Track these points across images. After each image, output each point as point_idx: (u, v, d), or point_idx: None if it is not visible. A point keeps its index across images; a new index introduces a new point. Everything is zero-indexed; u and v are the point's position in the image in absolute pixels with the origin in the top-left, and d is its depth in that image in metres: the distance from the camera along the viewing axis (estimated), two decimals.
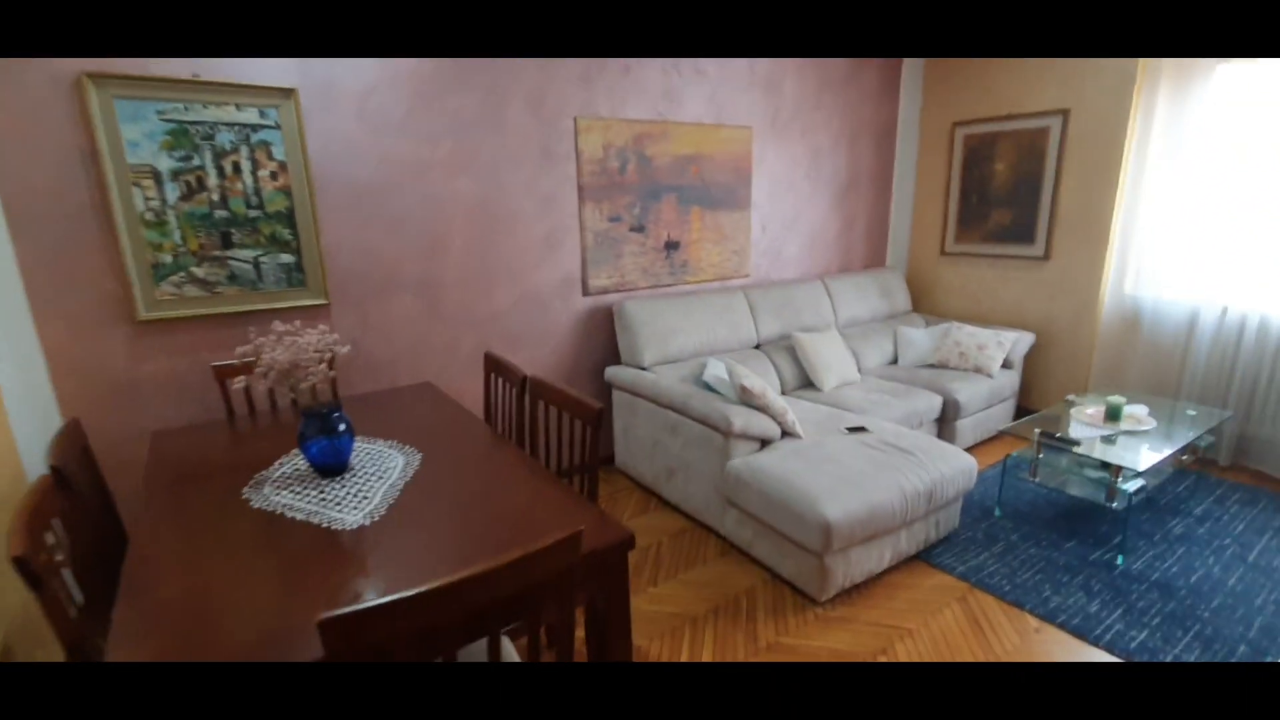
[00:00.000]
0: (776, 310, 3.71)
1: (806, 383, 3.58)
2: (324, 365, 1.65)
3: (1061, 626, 2.12)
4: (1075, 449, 2.61)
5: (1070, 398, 3.52)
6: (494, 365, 2.37)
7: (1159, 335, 3.47)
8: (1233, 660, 1.95)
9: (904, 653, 2.05)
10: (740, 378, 2.69)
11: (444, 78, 2.66)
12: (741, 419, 2.56)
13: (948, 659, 2.01)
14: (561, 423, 2.02)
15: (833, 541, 2.14)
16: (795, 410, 3.05)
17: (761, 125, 3.73)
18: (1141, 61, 3.32)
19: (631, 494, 3.20)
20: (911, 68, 4.33)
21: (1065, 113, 3.67)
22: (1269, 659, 1.94)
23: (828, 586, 2.24)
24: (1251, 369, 3.16)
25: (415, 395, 2.43)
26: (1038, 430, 2.75)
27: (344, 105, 2.47)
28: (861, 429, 2.78)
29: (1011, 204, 4.00)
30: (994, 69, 3.95)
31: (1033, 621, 2.16)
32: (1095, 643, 2.04)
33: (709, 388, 2.95)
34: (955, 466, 2.50)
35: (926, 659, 2.02)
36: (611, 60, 3.09)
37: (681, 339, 3.29)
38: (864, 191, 4.37)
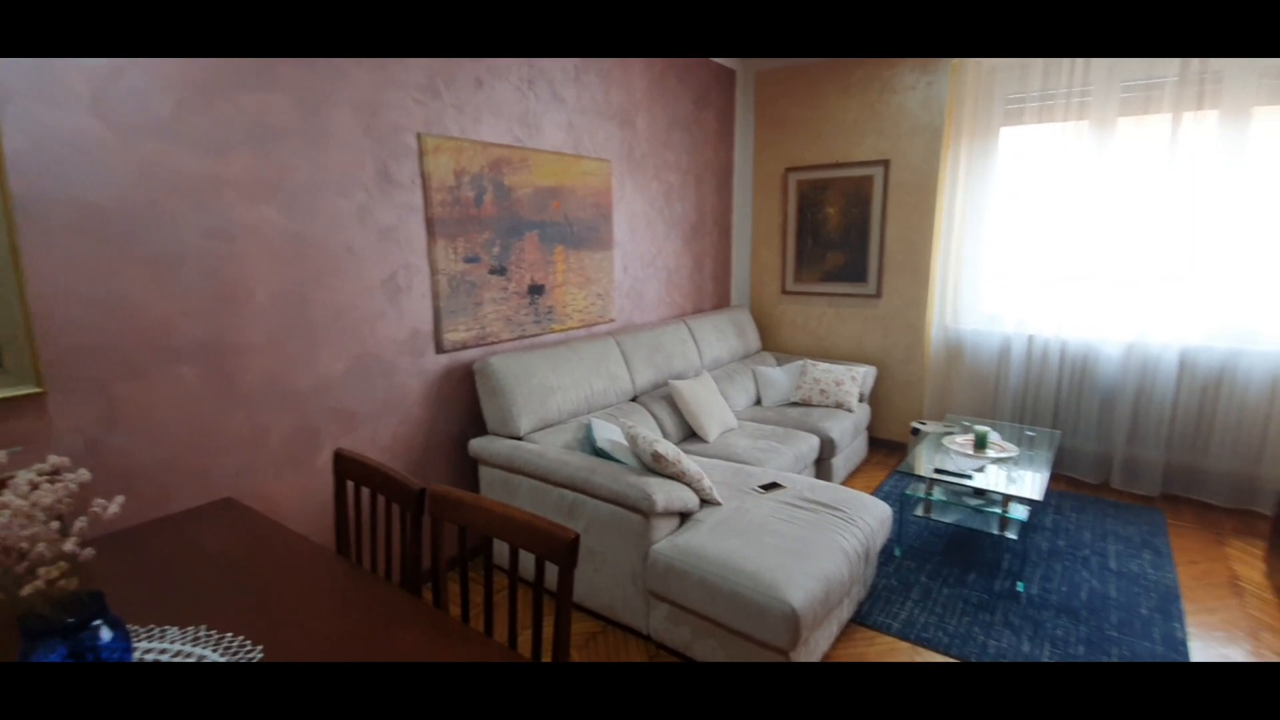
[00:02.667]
0: (649, 357, 3.41)
1: (689, 433, 3.32)
2: (69, 545, 0.89)
3: None
4: (968, 482, 2.68)
5: (915, 425, 3.75)
6: (357, 472, 1.66)
7: (979, 362, 3.88)
8: (1137, 659, 2.04)
9: None
10: (651, 443, 2.30)
11: (234, 64, 1.92)
12: (663, 494, 2.16)
13: None
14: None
15: (801, 633, 1.84)
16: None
17: (619, 159, 3.45)
18: (947, 119, 3.72)
19: (520, 594, 2.58)
20: (743, 113, 4.44)
21: (886, 163, 4.00)
22: (1186, 659, 2.07)
23: None
24: (1052, 387, 3.64)
25: (209, 522, 1.61)
26: (933, 468, 2.79)
27: (70, 88, 1.61)
28: (775, 485, 2.56)
29: (844, 246, 4.25)
30: (820, 119, 4.19)
31: None
32: None
33: (603, 454, 2.51)
34: (877, 516, 2.39)
35: None
36: (461, 70, 2.57)
37: (559, 398, 2.81)
38: (709, 231, 4.34)
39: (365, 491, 2.29)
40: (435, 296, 2.58)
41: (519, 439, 2.65)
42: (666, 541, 2.16)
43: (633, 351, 3.33)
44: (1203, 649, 2.19)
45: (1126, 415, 3.45)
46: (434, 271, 2.56)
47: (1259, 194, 3.03)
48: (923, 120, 3.83)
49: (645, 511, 2.14)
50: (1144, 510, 3.26)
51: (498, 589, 2.64)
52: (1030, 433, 3.27)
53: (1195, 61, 3.03)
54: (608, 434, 2.64)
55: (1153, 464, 3.41)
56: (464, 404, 2.78)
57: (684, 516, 2.31)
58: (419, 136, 2.44)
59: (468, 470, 2.82)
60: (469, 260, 2.69)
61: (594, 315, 3.40)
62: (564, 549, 1.14)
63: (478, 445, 2.64)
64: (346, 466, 1.62)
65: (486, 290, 2.78)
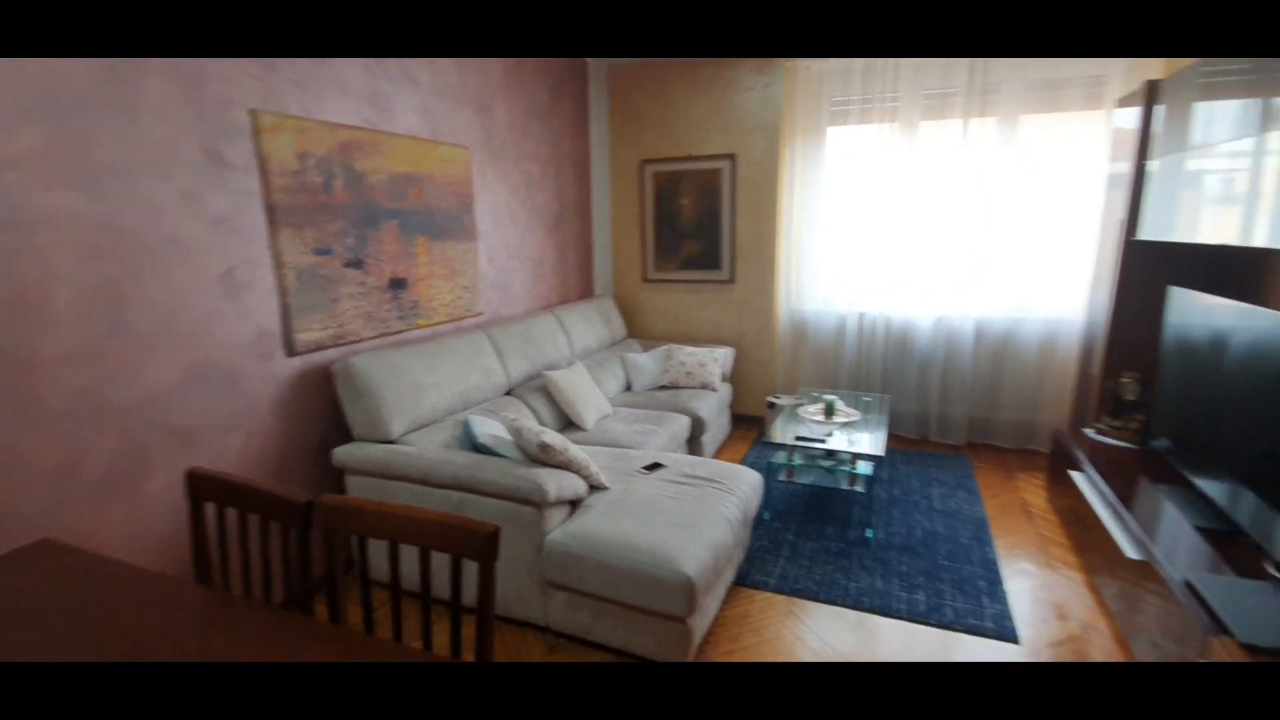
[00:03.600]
0: (521, 349, 3.36)
1: (567, 422, 3.33)
2: None
3: (871, 610, 2.36)
4: (822, 446, 2.98)
5: (771, 400, 4.09)
6: (219, 493, 1.46)
7: (820, 339, 4.31)
8: (968, 586, 2.44)
9: None
10: (537, 434, 2.29)
11: None
12: (555, 484, 2.16)
13: None
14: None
15: (697, 599, 1.95)
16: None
17: (479, 147, 3.34)
18: (783, 118, 4.06)
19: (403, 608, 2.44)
20: (598, 105, 4.49)
21: (732, 157, 4.27)
22: (1000, 581, 2.49)
23: (689, 650, 2.03)
24: (881, 358, 4.15)
25: (23, 570, 1.33)
26: (794, 436, 3.06)
27: None
28: (658, 465, 2.66)
29: (699, 236, 4.48)
30: (671, 114, 4.37)
31: (850, 615, 2.35)
32: (899, 615, 2.32)
33: (485, 450, 2.45)
34: (751, 484, 2.58)
35: None
36: None
37: (433, 396, 2.67)
38: (571, 222, 4.35)
39: (231, 513, 2.03)
40: (283, 293, 2.33)
41: (392, 442, 2.49)
42: (560, 530, 2.17)
43: (505, 344, 3.25)
44: (1009, 565, 2.66)
45: (937, 378, 4.03)
46: (280, 265, 2.31)
47: (1028, 189, 3.69)
48: (763, 119, 4.14)
49: (538, 503, 2.13)
50: (955, 457, 3.85)
51: (396, 600, 2.47)
52: (867, 399, 3.71)
53: (978, 74, 3.60)
54: (488, 429, 2.57)
55: (959, 418, 4.03)
56: (323, 410, 2.55)
57: (574, 504, 2.33)
58: (253, 113, 2.18)
59: (331, 481, 2.59)
60: (320, 252, 2.46)
61: (461, 309, 3.27)
62: (485, 544, 1.11)
63: (344, 453, 2.44)
64: (204, 487, 1.43)
65: (343, 285, 2.57)
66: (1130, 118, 2.97)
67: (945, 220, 3.85)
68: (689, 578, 1.92)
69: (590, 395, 3.41)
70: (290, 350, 2.38)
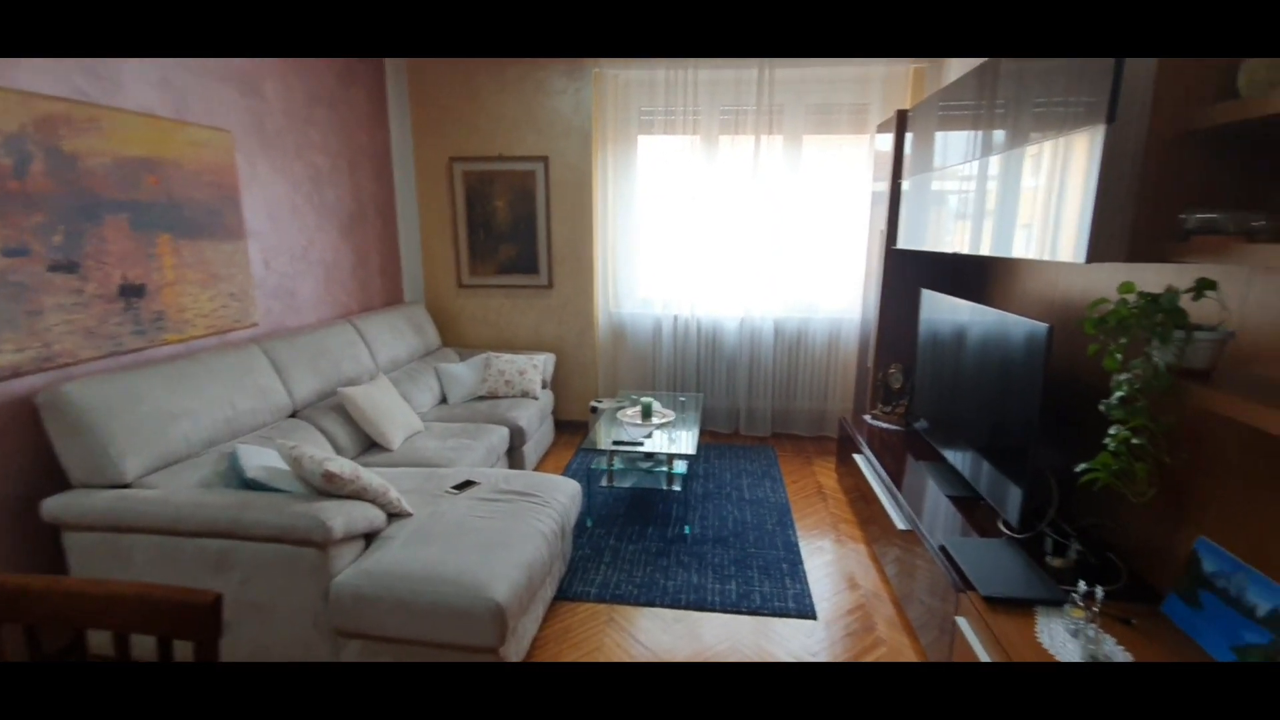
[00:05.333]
0: (311, 364, 2.96)
1: (370, 444, 3.00)
2: None
3: (688, 606, 2.41)
4: (640, 449, 3.01)
5: (593, 404, 4.08)
6: None
7: (638, 342, 4.39)
8: (773, 570, 2.60)
9: None
10: (320, 463, 2.01)
11: None
12: (342, 518, 1.90)
13: None
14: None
15: (508, 624, 1.82)
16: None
17: (246, 133, 2.88)
18: (595, 123, 4.07)
19: None
20: (397, 96, 4.15)
21: (546, 159, 4.19)
22: (800, 561, 2.69)
23: None
24: (695, 358, 4.34)
25: None
26: (611, 440, 3.05)
27: None
28: (469, 483, 2.49)
29: (515, 239, 4.34)
30: (479, 112, 4.17)
31: (668, 614, 2.38)
32: (714, 608, 2.40)
33: (257, 486, 2.10)
34: (569, 494, 2.52)
35: None
36: None
37: (186, 426, 2.24)
38: (372, 223, 3.96)
39: None
40: None
41: (126, 486, 2.03)
42: (352, 570, 1.91)
43: (288, 360, 2.84)
44: (808, 545, 2.89)
45: (744, 375, 4.32)
46: None
47: (812, 201, 4.08)
48: (575, 123, 4.12)
49: (320, 542, 1.86)
50: (762, 448, 4.15)
51: None
52: (682, 398, 3.85)
53: (765, 95, 3.90)
54: (260, 461, 2.20)
55: (764, 411, 4.35)
56: (26, 453, 2.01)
57: (370, 537, 2.08)
58: None
59: (44, 542, 2.05)
60: (11, 253, 1.93)
61: (228, 320, 2.80)
62: (201, 618, 0.89)
63: (57, 505, 1.94)
64: None
65: (47, 294, 2.04)
66: (887, 142, 3.40)
67: (745, 228, 4.13)
68: (499, 604, 1.80)
69: (397, 412, 3.12)
70: None
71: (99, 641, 1.98)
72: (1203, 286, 1.53)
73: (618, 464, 3.20)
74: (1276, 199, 1.47)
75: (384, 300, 4.13)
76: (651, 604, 2.43)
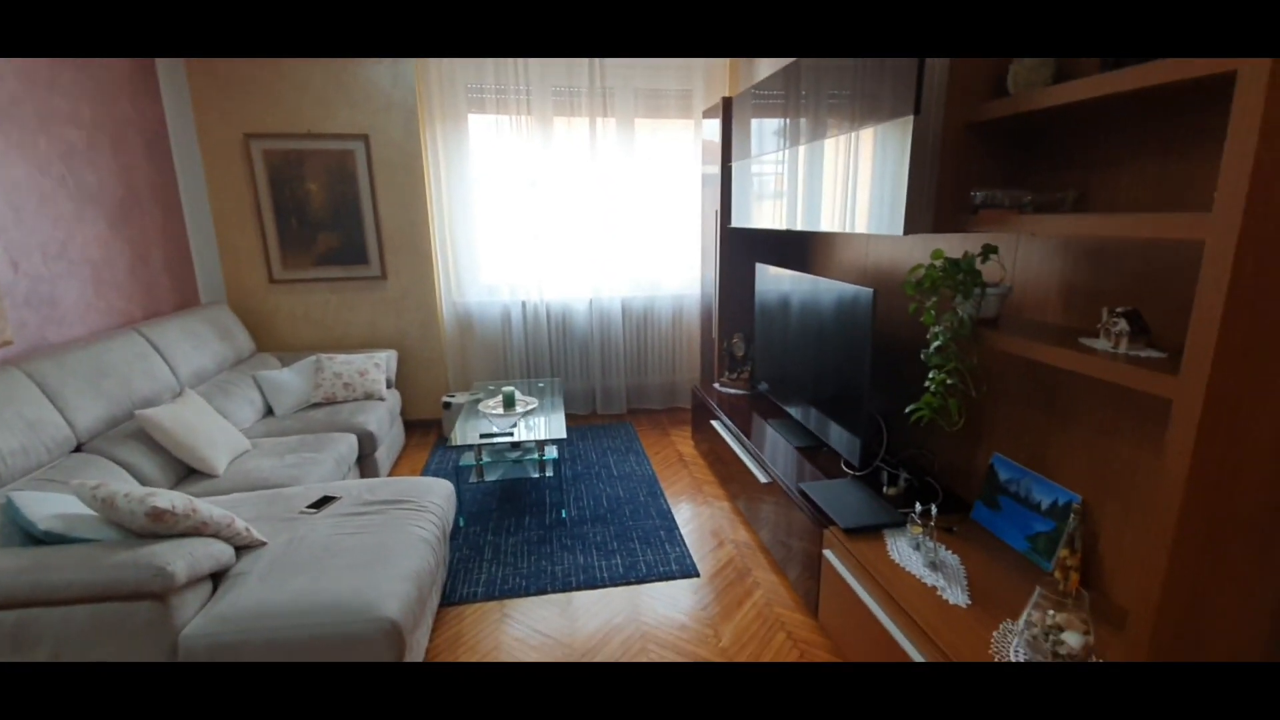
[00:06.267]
0: (91, 385, 2.44)
1: (188, 472, 2.57)
2: None
3: (579, 587, 2.43)
4: (509, 439, 2.94)
5: (446, 399, 3.90)
6: None
7: (487, 331, 4.24)
8: (652, 538, 2.73)
9: None
10: (141, 500, 1.69)
11: None
12: (182, 560, 1.63)
13: None
14: None
15: (405, 641, 1.71)
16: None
17: None
18: (419, 99, 3.80)
19: None
20: (167, 60, 3.50)
21: (366, 138, 3.83)
22: (676, 527, 2.83)
23: None
24: (547, 343, 4.31)
25: None
26: (479, 434, 2.93)
27: None
28: (327, 499, 2.25)
29: (336, 226, 3.92)
30: (277, 80, 3.68)
31: (559, 598, 2.38)
32: (604, 584, 2.45)
33: (52, 539, 1.71)
34: (444, 495, 2.39)
35: None
36: None
37: None
38: (149, 211, 3.33)
39: None
40: None
41: None
42: (202, 618, 1.65)
43: (59, 382, 2.31)
44: (678, 508, 3.06)
45: (597, 356, 4.39)
46: None
47: (647, 183, 4.22)
48: (396, 98, 3.81)
49: (159, 592, 1.57)
50: (621, 425, 4.27)
51: None
52: (540, 384, 3.81)
53: (597, 78, 3.93)
54: (49, 509, 1.78)
55: (619, 389, 4.47)
56: None
57: (216, 577, 1.80)
58: None
59: None
60: None
61: None
62: None
63: None
64: None
65: None
66: (712, 127, 3.63)
67: (586, 210, 4.15)
68: (393, 621, 1.67)
69: (215, 431, 2.69)
70: None
71: None
72: (988, 251, 1.88)
73: (485, 457, 3.10)
74: (1037, 179, 1.85)
75: (175, 304, 3.51)
76: (543, 591, 2.41)
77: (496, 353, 4.29)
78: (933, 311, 1.91)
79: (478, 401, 3.39)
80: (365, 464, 3.20)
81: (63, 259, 2.69)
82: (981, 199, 1.77)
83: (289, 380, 3.43)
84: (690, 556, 2.65)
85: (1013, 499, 1.97)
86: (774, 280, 3.11)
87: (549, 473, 3.03)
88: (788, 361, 2.97)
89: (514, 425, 3.08)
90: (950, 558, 1.90)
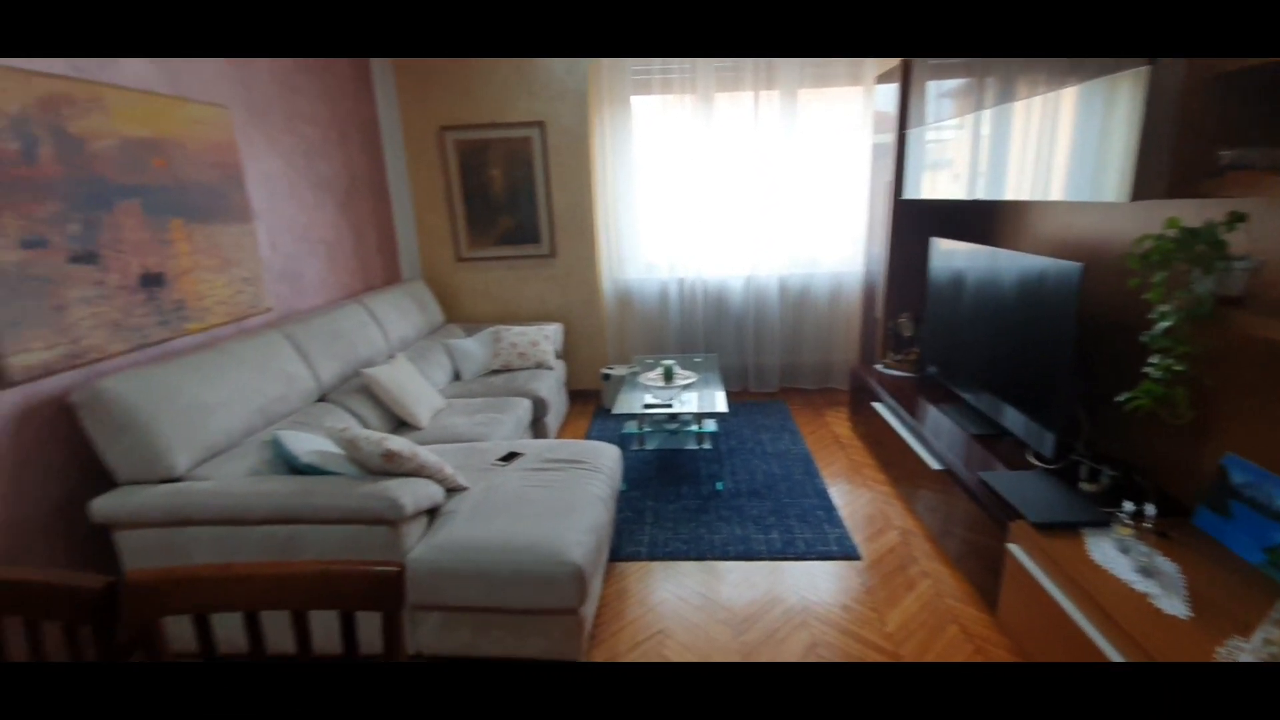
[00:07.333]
0: (329, 347, 2.90)
1: (398, 424, 2.98)
2: None
3: (738, 557, 2.50)
4: (670, 410, 3.06)
5: (605, 371, 4.11)
6: None
7: (645, 306, 4.40)
8: (810, 517, 2.71)
9: (676, 657, 2.01)
10: (377, 443, 1.99)
11: None
12: (410, 495, 1.91)
13: (705, 645, 2.08)
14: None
15: (588, 586, 1.87)
16: None
17: (239, 105, 2.75)
18: (590, 84, 3.99)
19: None
20: (380, 60, 3.98)
21: (541, 124, 4.10)
22: (834, 508, 2.80)
23: (582, 639, 1.96)
24: (702, 319, 4.38)
25: None
26: (643, 405, 3.09)
27: None
28: (514, 454, 2.50)
29: (514, 209, 4.26)
30: (468, 75, 4.04)
31: (719, 566, 2.46)
32: (763, 556, 2.49)
33: (312, 470, 2.08)
34: (613, 459, 2.55)
35: (691, 657, 2.04)
36: None
37: (223, 417, 2.18)
38: (365, 197, 3.84)
39: None
40: None
41: (177, 480, 1.98)
42: (424, 545, 1.93)
43: (308, 343, 2.78)
44: (835, 489, 3.00)
45: (751, 333, 4.38)
46: None
47: (811, 156, 4.09)
48: (569, 85, 4.02)
49: (393, 520, 1.86)
50: (773, 404, 4.24)
51: None
52: (696, 359, 3.89)
53: None
54: (309, 445, 2.17)
55: (772, 367, 4.43)
56: (65, 455, 1.94)
57: (430, 514, 2.09)
58: None
59: (93, 546, 2.00)
60: (30, 244, 1.83)
61: (244, 306, 2.71)
62: (387, 590, 0.91)
63: (108, 505, 1.89)
64: None
65: (70, 287, 1.95)
66: (887, 93, 3.42)
67: (745, 186, 4.13)
68: (579, 566, 1.84)
69: (420, 390, 3.09)
70: (1, 381, 1.75)
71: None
72: (1235, 219, 1.62)
73: (646, 427, 3.25)
74: None
75: (383, 279, 4.03)
76: (702, 557, 2.51)
77: (653, 328, 4.43)
78: (1161, 288, 1.69)
79: (636, 374, 3.54)
80: (537, 427, 3.49)
81: (305, 240, 3.20)
82: (1231, 158, 1.53)
83: (473, 348, 3.82)
84: (850, 538, 2.60)
85: (1248, 505, 1.71)
86: (954, 256, 2.90)
87: (706, 445, 3.10)
88: (965, 343, 2.77)
89: (673, 398, 3.19)
90: (1166, 564, 1.69)
